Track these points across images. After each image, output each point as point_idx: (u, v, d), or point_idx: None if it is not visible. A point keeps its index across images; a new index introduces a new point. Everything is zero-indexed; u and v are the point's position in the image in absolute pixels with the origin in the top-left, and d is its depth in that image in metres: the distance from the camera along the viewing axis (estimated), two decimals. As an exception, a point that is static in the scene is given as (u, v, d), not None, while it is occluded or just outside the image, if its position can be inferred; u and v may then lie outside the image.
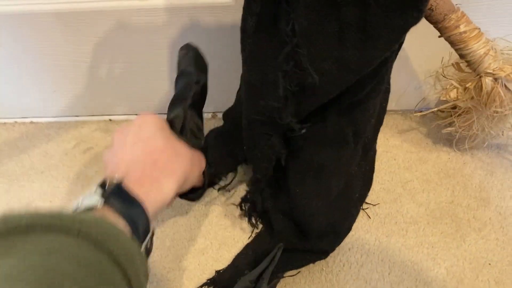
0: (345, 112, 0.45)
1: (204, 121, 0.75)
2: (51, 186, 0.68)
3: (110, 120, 0.76)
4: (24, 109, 0.76)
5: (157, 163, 0.38)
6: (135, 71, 0.69)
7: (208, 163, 0.49)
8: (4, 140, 0.75)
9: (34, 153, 0.73)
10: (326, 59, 0.36)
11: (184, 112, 0.44)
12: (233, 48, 0.59)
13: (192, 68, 0.46)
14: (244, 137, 0.49)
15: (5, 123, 0.77)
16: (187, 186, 0.43)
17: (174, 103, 0.45)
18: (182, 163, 0.39)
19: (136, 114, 0.76)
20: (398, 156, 0.69)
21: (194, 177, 0.43)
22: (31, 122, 0.77)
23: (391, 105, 0.74)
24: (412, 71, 0.68)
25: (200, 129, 0.46)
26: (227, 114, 0.61)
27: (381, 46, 0.36)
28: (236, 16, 0.60)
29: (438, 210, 0.63)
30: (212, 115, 0.75)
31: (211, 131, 0.65)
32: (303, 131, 0.43)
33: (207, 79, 0.48)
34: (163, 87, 0.71)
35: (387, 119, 0.73)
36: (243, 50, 0.44)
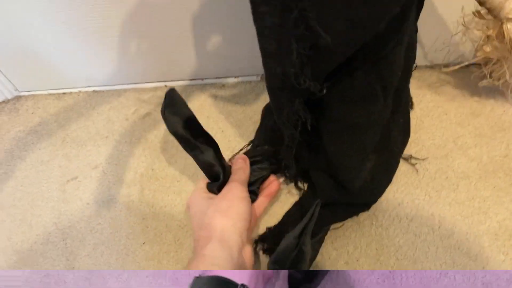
0: (371, 68, 0.45)
1: (253, 84, 0.77)
2: (115, 149, 0.74)
3: (165, 86, 0.80)
4: (87, 78, 0.81)
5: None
6: (185, 38, 0.71)
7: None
8: (71, 108, 0.81)
9: (98, 120, 0.78)
10: (336, 19, 0.36)
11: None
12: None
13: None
14: (271, 105, 0.51)
15: (70, 92, 0.83)
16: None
17: None
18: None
19: (189, 79, 0.79)
20: (450, 111, 0.68)
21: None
22: (94, 91, 0.82)
23: (427, 59, 0.72)
24: (439, 23, 0.66)
25: None
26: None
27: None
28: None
29: (491, 164, 0.62)
30: (261, 77, 0.77)
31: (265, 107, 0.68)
32: (324, 91, 0.43)
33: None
34: (210, 49, 0.74)
35: (430, 73, 0.72)
36: (255, 20, 0.44)
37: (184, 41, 0.71)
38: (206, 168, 0.52)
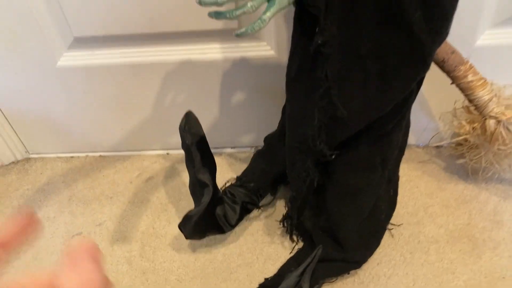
0: (374, 142, 0.55)
1: (248, 153, 0.87)
2: (119, 209, 0.80)
3: (167, 153, 0.89)
4: (95, 144, 0.89)
5: None
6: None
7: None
8: (78, 170, 0.88)
9: (104, 182, 0.85)
10: (353, 99, 0.47)
11: None
12: (273, 89, 0.72)
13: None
14: (286, 160, 0.60)
15: (78, 156, 0.90)
16: None
17: None
18: None
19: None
20: (420, 185, 0.79)
21: None
22: (100, 156, 0.90)
23: (412, 140, 0.84)
24: (430, 112, 0.79)
25: None
26: (267, 138, 0.73)
27: (397, 90, 0.47)
28: (278, 64, 0.72)
29: (457, 231, 0.71)
30: (255, 149, 0.87)
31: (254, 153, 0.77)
32: (333, 156, 0.53)
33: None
34: (211, 122, 0.83)
35: (409, 153, 0.83)
36: (287, 91, 0.55)
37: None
38: (197, 186, 0.61)
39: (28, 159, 0.91)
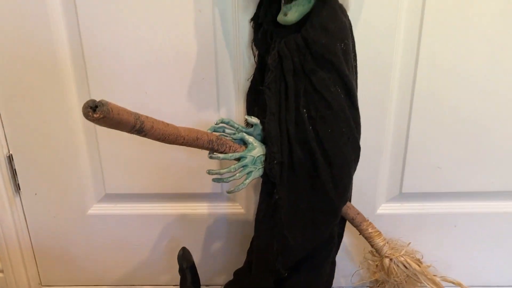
0: (313, 269, 0.85)
1: None
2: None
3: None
4: (104, 277, 1.12)
5: None
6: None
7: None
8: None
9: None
10: (298, 234, 0.79)
11: None
12: (243, 239, 1.02)
13: None
14: (252, 283, 0.88)
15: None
16: None
17: None
18: None
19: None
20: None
21: None
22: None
23: (342, 282, 1.12)
24: (354, 258, 1.10)
25: None
26: (236, 272, 1.00)
27: (323, 231, 0.79)
28: (246, 220, 1.04)
29: None
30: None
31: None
32: (286, 274, 0.82)
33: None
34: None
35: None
36: (256, 229, 0.86)
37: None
38: None
39: (40, 289, 1.12)
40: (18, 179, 1.00)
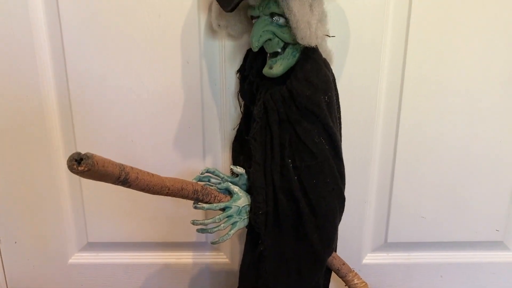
0: None
1: None
2: None
3: None
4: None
5: None
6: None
7: None
8: None
9: None
10: (281, 285, 0.77)
11: None
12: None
13: None
14: None
15: None
16: None
17: None
18: None
19: None
20: None
21: None
22: None
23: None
24: None
25: None
26: None
27: (309, 280, 0.78)
28: (231, 269, 1.03)
29: None
30: None
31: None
32: None
33: None
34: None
35: None
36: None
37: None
38: None
39: None
40: (-2, 228, 0.99)
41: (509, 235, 1.01)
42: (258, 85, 0.81)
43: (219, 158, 0.95)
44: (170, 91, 0.88)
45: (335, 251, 0.87)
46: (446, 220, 0.98)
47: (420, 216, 0.98)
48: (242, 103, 0.88)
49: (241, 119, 0.89)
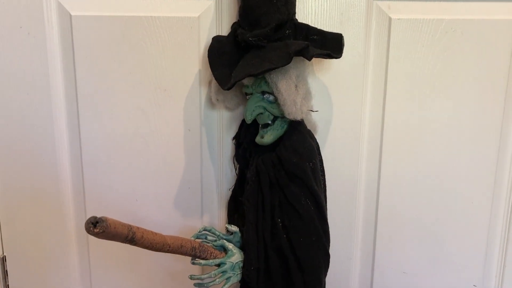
0: None
1: None
2: None
3: None
4: None
5: None
6: None
7: None
8: None
9: None
10: None
11: None
12: None
13: None
14: None
15: None
16: None
17: None
18: None
19: None
20: None
21: None
22: None
23: None
24: None
25: None
26: None
27: None
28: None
29: None
30: None
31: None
32: None
33: None
34: None
35: None
36: None
37: None
38: None
39: None
40: (9, 280, 1.05)
41: (486, 290, 1.08)
42: (251, 151, 0.91)
43: (216, 216, 1.03)
44: (173, 155, 0.98)
45: (323, 305, 0.93)
46: (426, 275, 1.05)
47: (402, 272, 1.05)
48: (237, 166, 0.97)
49: (236, 180, 0.98)
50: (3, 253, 1.03)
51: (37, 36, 0.91)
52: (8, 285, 1.05)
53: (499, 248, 1.06)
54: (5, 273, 1.04)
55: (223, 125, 0.98)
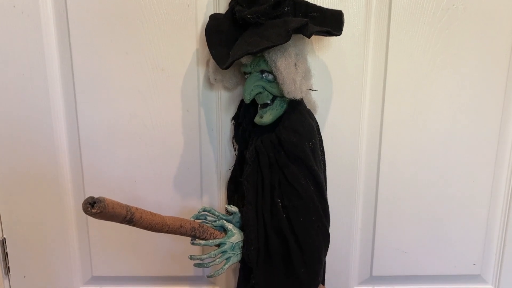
0: None
1: None
2: None
3: None
4: None
5: None
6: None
7: None
8: None
9: None
10: None
11: None
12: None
13: None
14: None
15: None
16: None
17: None
18: None
19: None
20: None
21: None
22: None
23: None
24: None
25: None
26: None
27: None
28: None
29: None
30: None
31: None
32: None
33: None
34: None
35: None
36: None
37: None
38: None
39: None
40: (9, 262, 1.05)
41: (486, 269, 1.08)
42: (251, 132, 0.90)
43: (215, 197, 1.03)
44: (171, 136, 0.97)
45: (323, 284, 0.94)
46: (426, 254, 1.05)
47: (402, 251, 1.05)
48: (236, 147, 0.97)
49: (235, 161, 0.98)
50: (3, 235, 1.03)
51: (31, 15, 0.89)
52: (8, 267, 1.05)
53: (499, 227, 1.06)
54: (5, 255, 1.04)
55: (221, 105, 0.97)
